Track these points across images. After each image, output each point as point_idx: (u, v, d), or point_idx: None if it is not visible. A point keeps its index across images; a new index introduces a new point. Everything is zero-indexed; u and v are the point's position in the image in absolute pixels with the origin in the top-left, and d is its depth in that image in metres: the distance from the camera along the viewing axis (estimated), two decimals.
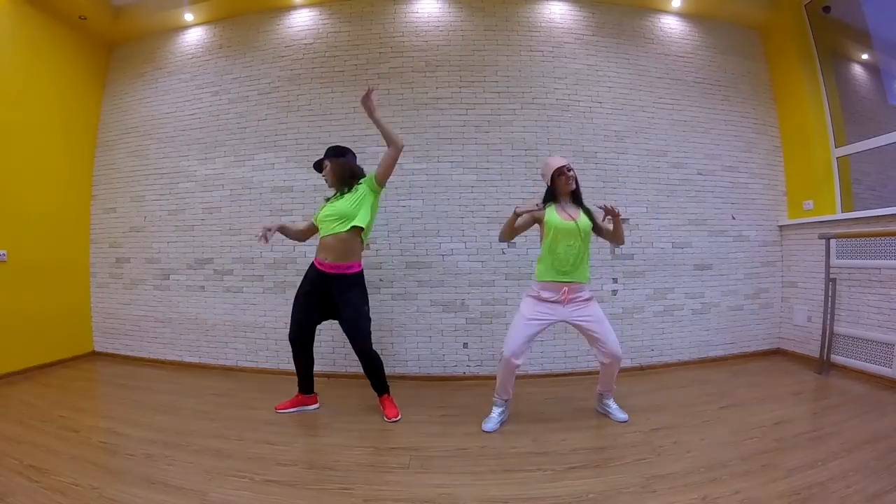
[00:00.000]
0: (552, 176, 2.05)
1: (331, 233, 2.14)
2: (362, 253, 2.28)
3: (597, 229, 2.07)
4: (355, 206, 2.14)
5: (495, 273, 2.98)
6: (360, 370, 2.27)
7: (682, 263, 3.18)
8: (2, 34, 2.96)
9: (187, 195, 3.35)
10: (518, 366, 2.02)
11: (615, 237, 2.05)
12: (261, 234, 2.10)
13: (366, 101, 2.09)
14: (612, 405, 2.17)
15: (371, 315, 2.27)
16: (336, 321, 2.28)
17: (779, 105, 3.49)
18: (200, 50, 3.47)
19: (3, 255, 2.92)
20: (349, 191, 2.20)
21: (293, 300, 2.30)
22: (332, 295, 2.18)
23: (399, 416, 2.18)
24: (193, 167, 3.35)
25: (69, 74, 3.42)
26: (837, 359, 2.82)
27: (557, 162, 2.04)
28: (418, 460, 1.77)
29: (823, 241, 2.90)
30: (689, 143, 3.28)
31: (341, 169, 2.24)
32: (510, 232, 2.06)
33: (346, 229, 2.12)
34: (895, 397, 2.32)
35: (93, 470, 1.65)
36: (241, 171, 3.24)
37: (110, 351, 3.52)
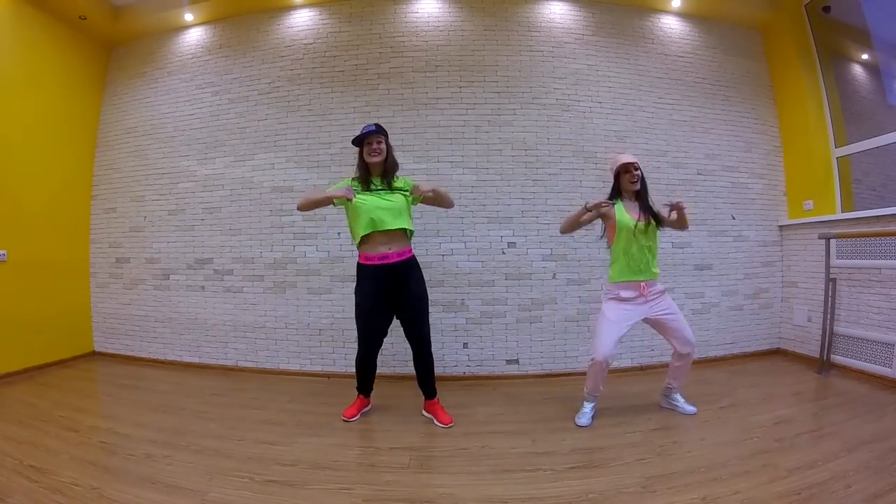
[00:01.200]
0: (617, 172, 2.11)
1: (392, 227, 2.03)
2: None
3: (660, 222, 2.11)
4: (405, 211, 2.09)
5: (495, 273, 2.98)
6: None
7: (682, 263, 3.18)
8: (2, 34, 2.96)
9: (187, 195, 3.35)
10: (610, 366, 2.07)
11: (680, 225, 2.12)
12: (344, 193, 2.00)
13: (418, 191, 2.05)
14: (680, 399, 2.22)
15: None
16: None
17: (779, 105, 3.49)
18: (200, 50, 3.47)
19: (3, 255, 2.92)
20: (390, 185, 2.08)
21: (357, 316, 2.13)
22: (402, 283, 2.07)
23: (452, 423, 2.11)
24: (193, 167, 3.35)
25: (69, 74, 3.42)
26: (837, 359, 2.82)
27: (625, 158, 2.09)
28: (418, 460, 1.77)
29: (823, 241, 2.90)
30: (689, 143, 3.28)
31: (392, 155, 2.14)
32: (573, 226, 2.14)
33: (402, 227, 2.06)
34: (895, 397, 2.32)
35: (93, 470, 1.65)
36: (241, 171, 3.24)
37: (110, 351, 3.52)
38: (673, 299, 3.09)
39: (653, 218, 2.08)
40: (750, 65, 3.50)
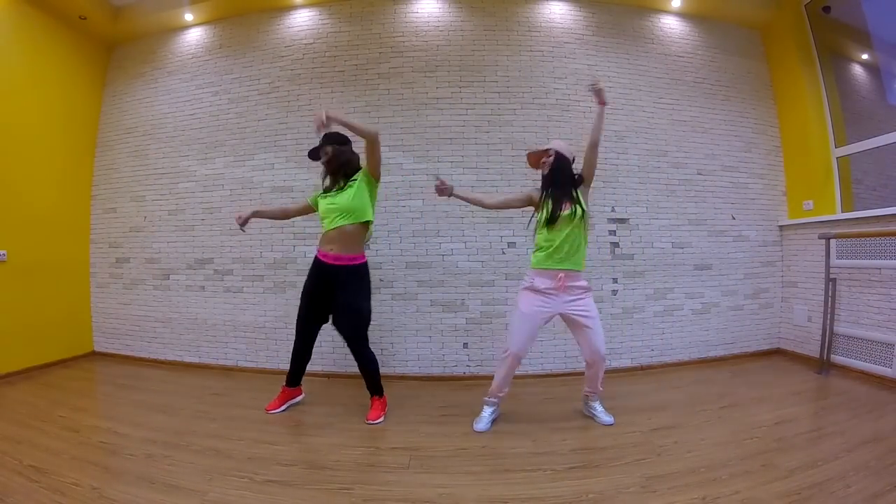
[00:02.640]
0: (532, 160, 2.09)
1: (335, 227, 2.12)
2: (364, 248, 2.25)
3: (580, 185, 2.03)
4: (357, 200, 2.12)
5: (495, 273, 2.98)
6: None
7: (681, 263, 3.18)
8: (2, 34, 2.96)
9: (187, 195, 3.35)
10: (521, 362, 2.03)
11: (595, 129, 1.97)
12: (238, 224, 2.24)
13: (320, 125, 1.93)
14: (598, 408, 2.14)
15: (372, 315, 2.24)
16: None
17: (779, 105, 3.49)
18: (200, 50, 3.47)
19: (3, 255, 2.92)
20: (346, 184, 2.18)
21: (301, 295, 2.28)
22: (333, 287, 2.14)
23: (380, 420, 2.15)
24: (193, 167, 3.35)
25: (69, 74, 3.42)
26: (837, 359, 2.82)
27: (539, 147, 2.08)
28: (418, 460, 1.77)
29: (823, 241, 2.90)
30: (689, 143, 3.28)
31: (342, 158, 2.21)
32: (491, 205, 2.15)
33: (351, 222, 2.11)
34: (895, 397, 2.32)
35: (93, 470, 1.65)
36: (241, 171, 3.24)
37: (110, 351, 3.52)
38: (672, 299, 3.16)
39: (577, 201, 1.96)
40: (750, 65, 3.50)
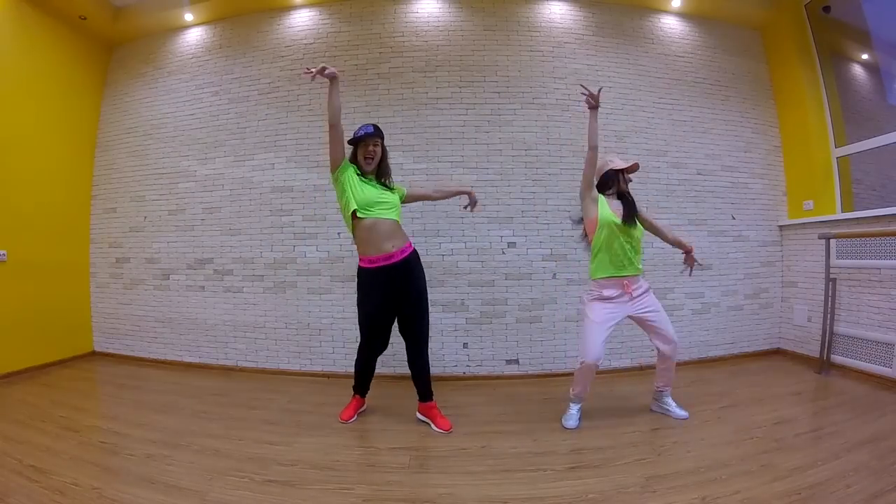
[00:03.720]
0: (609, 173, 2.10)
1: (389, 218, 2.01)
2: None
3: (641, 219, 2.11)
4: (397, 200, 2.08)
5: (495, 273, 2.98)
6: None
7: (681, 263, 3.17)
8: (2, 34, 2.96)
9: (187, 195, 3.35)
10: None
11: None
12: (315, 71, 1.84)
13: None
14: (672, 402, 2.19)
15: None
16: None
17: (779, 105, 3.49)
18: (200, 50, 3.47)
19: (3, 254, 2.92)
20: (386, 186, 2.10)
21: (361, 317, 2.10)
22: (408, 281, 2.03)
23: (451, 429, 2.06)
24: (193, 167, 3.35)
25: (69, 74, 3.42)
26: (837, 359, 2.82)
27: (620, 165, 2.09)
28: (418, 460, 1.77)
29: (823, 241, 2.90)
30: (689, 143, 3.28)
31: (387, 163, 2.13)
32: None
33: (397, 218, 2.06)
34: (895, 397, 2.32)
35: (93, 470, 1.65)
36: (241, 171, 3.24)
37: (110, 351, 3.52)
38: (672, 299, 3.15)
39: (634, 214, 2.04)
40: (750, 65, 3.50)
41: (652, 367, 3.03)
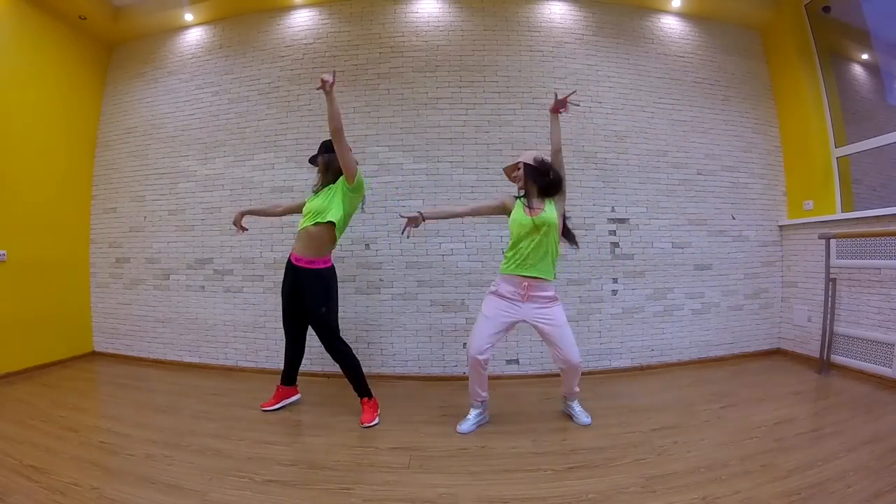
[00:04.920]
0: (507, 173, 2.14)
1: (303, 227, 2.15)
2: (332, 250, 2.22)
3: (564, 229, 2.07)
4: (327, 202, 2.12)
5: (495, 273, 2.92)
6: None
7: (681, 263, 3.18)
8: (2, 34, 2.96)
9: (187, 195, 3.35)
10: (484, 364, 1.99)
11: (553, 135, 2.03)
12: (236, 229, 2.32)
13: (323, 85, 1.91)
14: (576, 408, 2.17)
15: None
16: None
17: (779, 105, 3.49)
18: (200, 50, 3.47)
19: (3, 255, 2.92)
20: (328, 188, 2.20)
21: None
22: (298, 288, 2.16)
23: (374, 422, 2.12)
24: (193, 167, 3.35)
25: (69, 74, 3.42)
26: (837, 359, 2.82)
27: (512, 162, 2.12)
28: (418, 460, 1.77)
29: (823, 241, 2.90)
30: (689, 143, 3.28)
31: (326, 165, 2.21)
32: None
33: (313, 223, 2.11)
34: (895, 397, 2.33)
35: (93, 470, 1.65)
36: (241, 171, 3.24)
37: (110, 351, 3.52)
38: (672, 299, 3.15)
39: (552, 213, 1.98)
40: (750, 65, 3.50)
41: (652, 367, 3.05)
